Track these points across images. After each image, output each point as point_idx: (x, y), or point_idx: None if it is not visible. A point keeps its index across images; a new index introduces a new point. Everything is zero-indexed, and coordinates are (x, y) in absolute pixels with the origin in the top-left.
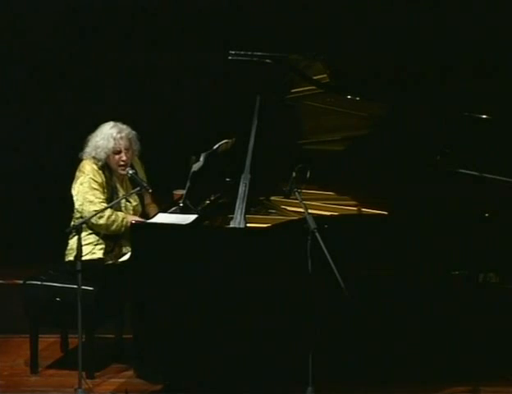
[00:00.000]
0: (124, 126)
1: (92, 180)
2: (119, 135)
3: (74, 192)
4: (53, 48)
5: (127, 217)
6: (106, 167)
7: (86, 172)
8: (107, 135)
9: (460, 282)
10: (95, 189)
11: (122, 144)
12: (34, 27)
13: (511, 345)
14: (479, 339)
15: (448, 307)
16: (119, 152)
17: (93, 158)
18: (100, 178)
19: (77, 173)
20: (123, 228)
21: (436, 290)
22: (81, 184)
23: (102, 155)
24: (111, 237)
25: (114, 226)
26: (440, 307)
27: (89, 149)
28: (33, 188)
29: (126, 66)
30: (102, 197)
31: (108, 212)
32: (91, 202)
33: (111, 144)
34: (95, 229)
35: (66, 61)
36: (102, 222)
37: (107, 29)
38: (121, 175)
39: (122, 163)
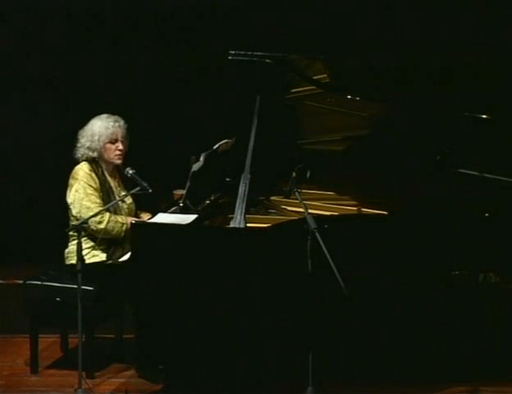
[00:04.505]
0: (118, 117)
1: (86, 186)
2: (117, 124)
3: (69, 200)
4: (52, 48)
5: (127, 220)
6: (99, 165)
7: (80, 178)
8: (105, 124)
9: (460, 282)
10: (91, 194)
11: (120, 132)
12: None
13: (511, 345)
14: (479, 339)
15: (448, 307)
16: (116, 140)
17: (88, 148)
18: (94, 182)
19: (71, 180)
20: (123, 233)
21: (436, 290)
22: (76, 191)
23: (100, 144)
24: (112, 241)
25: (114, 232)
26: (440, 307)
27: (84, 140)
28: (33, 188)
29: (126, 66)
30: (99, 201)
31: (108, 216)
32: (88, 208)
33: (109, 131)
34: (95, 235)
35: (65, 61)
36: (102, 226)
37: (106, 29)
38: (114, 176)
39: (119, 152)
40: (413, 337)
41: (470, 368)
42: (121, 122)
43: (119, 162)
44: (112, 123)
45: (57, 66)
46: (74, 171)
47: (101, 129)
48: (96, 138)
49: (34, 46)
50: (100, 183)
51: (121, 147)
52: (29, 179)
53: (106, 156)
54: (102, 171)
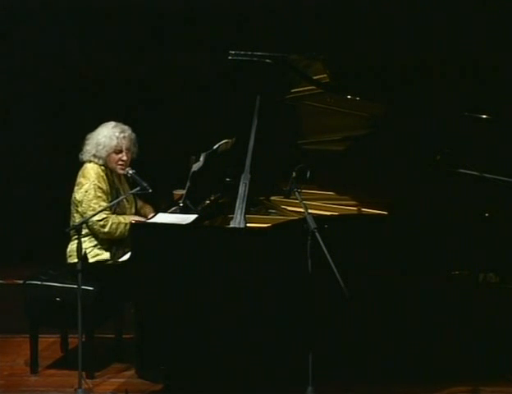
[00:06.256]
0: (126, 127)
1: (97, 187)
2: (122, 135)
3: (77, 197)
4: (53, 48)
5: (130, 219)
6: (107, 167)
7: (92, 179)
8: (110, 134)
9: (460, 282)
10: (99, 196)
11: (124, 143)
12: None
13: (511, 345)
14: (479, 339)
15: (448, 307)
16: (120, 151)
17: (94, 155)
18: (105, 184)
19: (81, 179)
20: (127, 233)
21: (436, 290)
22: (86, 191)
23: (104, 153)
24: (114, 240)
25: (118, 233)
26: (440, 307)
27: (90, 147)
28: (33, 188)
29: (127, 67)
30: (106, 204)
31: (111, 219)
32: (94, 210)
33: (113, 143)
34: (100, 236)
35: (67, 62)
36: (105, 230)
37: (107, 29)
38: (118, 176)
39: (122, 163)
40: (414, 337)
41: (470, 368)
42: (127, 133)
43: (122, 172)
44: (117, 134)
45: (56, 66)
46: (85, 170)
47: (106, 139)
48: (100, 147)
49: (37, 47)
50: (109, 184)
51: (124, 158)
52: (29, 179)
53: (110, 165)
54: (111, 172)
